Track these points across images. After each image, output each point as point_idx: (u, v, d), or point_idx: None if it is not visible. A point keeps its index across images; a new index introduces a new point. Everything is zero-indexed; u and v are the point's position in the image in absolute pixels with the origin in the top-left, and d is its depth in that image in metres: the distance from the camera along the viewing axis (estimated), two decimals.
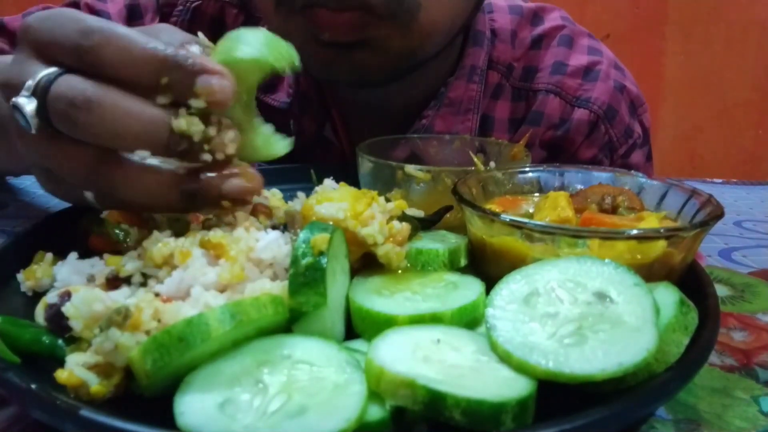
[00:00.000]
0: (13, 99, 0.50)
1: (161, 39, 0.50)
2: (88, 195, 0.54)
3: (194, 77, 0.48)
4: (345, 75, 0.86)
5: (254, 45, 0.52)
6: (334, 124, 1.06)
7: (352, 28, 0.78)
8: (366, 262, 0.56)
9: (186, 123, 0.48)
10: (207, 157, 0.50)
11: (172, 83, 0.49)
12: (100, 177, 0.51)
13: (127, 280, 0.50)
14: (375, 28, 0.79)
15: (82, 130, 0.49)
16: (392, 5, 0.77)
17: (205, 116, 0.50)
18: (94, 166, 0.51)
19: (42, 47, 0.51)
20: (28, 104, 0.49)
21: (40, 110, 0.49)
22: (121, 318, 0.42)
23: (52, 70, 0.50)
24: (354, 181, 0.71)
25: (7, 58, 0.59)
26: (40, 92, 0.49)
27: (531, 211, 0.64)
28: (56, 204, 0.95)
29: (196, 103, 0.49)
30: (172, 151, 0.50)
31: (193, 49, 0.53)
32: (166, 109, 0.49)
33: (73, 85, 0.49)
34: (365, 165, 0.75)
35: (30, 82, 0.50)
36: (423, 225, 0.62)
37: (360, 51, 0.81)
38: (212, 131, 0.49)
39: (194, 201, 0.52)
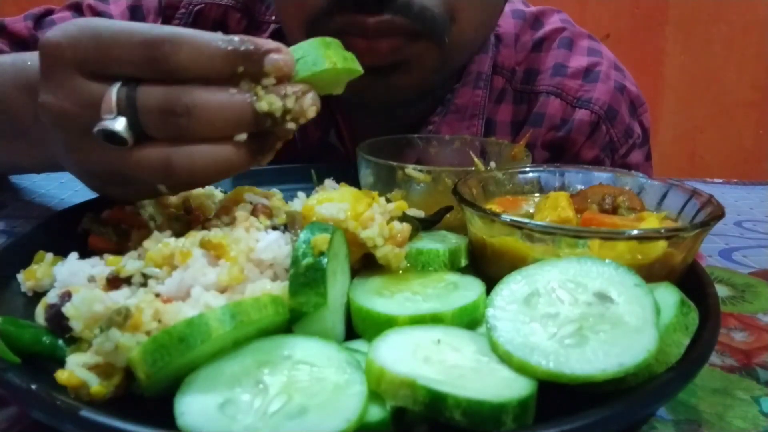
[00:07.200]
0: (100, 125, 0.50)
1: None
2: (161, 187, 0.54)
3: (262, 60, 0.51)
4: (380, 98, 0.87)
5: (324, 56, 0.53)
6: (339, 131, 1.05)
7: (391, 52, 0.80)
8: (366, 263, 0.56)
9: (267, 104, 0.51)
10: (291, 125, 0.52)
11: (246, 70, 0.51)
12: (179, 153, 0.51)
13: (127, 281, 0.50)
14: (411, 47, 0.81)
15: (184, 132, 0.50)
16: (428, 24, 0.79)
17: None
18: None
19: (92, 64, 0.51)
20: (117, 124, 0.50)
21: (132, 125, 0.50)
22: (122, 318, 0.42)
23: (118, 85, 0.51)
24: (354, 182, 0.71)
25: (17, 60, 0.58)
26: (126, 109, 0.50)
27: (531, 211, 0.64)
28: (56, 204, 0.96)
29: (268, 81, 0.51)
30: (261, 129, 0.52)
31: None
32: (245, 93, 0.51)
33: (160, 95, 0.50)
34: (365, 165, 0.75)
35: (109, 104, 0.50)
36: (423, 225, 0.62)
37: (397, 73, 0.84)
38: (290, 103, 0.52)
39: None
